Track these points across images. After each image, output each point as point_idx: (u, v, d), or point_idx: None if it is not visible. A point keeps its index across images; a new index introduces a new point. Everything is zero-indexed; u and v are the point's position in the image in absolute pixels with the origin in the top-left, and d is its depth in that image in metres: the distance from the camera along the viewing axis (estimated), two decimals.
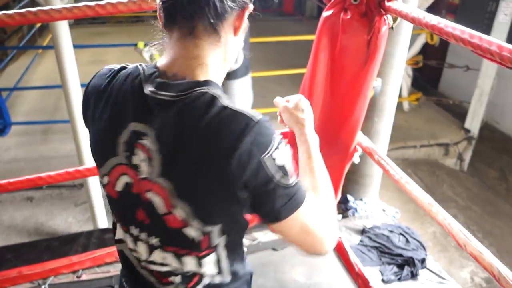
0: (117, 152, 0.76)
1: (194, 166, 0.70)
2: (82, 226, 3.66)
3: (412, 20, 1.21)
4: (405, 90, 4.89)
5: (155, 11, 0.78)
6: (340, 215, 2.48)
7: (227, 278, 0.86)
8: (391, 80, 2.22)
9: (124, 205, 0.82)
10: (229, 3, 0.72)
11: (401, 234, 2.36)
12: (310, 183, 0.87)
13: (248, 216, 0.80)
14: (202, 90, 0.71)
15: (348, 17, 1.38)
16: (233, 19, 0.75)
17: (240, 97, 3.37)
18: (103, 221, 3.25)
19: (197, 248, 0.78)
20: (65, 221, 3.88)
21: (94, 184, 3.32)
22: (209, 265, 0.82)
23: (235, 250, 0.86)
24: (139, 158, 0.74)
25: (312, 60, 1.48)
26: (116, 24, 8.68)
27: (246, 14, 0.77)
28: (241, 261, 0.89)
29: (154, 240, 0.80)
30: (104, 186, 0.84)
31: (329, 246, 0.80)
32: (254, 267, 0.95)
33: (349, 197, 2.56)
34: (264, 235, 2.37)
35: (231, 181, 0.68)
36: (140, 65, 0.79)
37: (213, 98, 0.70)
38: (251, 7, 0.77)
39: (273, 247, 2.30)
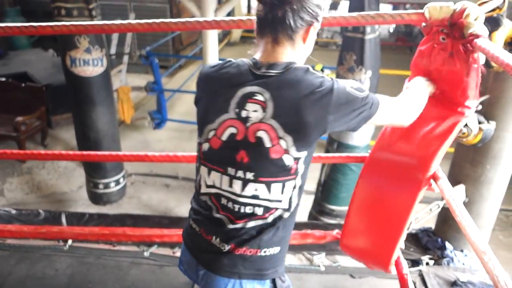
0: (228, 109, 1.09)
1: (299, 108, 1.03)
2: None
3: (492, 58, 1.16)
4: None
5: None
6: (433, 261, 2.33)
7: (287, 215, 1.14)
8: (511, 127, 2.03)
9: (225, 151, 1.10)
10: (300, 22, 1.08)
11: None
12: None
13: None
14: (294, 66, 1.09)
15: (436, 54, 1.38)
16: (303, 32, 1.10)
17: None
18: None
19: (287, 173, 1.08)
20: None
21: None
22: (286, 196, 1.11)
23: (300, 193, 1.15)
24: (248, 111, 1.07)
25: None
26: None
27: (312, 29, 1.12)
28: (297, 206, 1.17)
29: (250, 175, 1.09)
30: (205, 141, 1.14)
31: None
32: None
33: (447, 244, 2.38)
34: (346, 260, 2.37)
35: (326, 113, 1.04)
36: (243, 60, 1.15)
37: (306, 68, 1.09)
38: (317, 25, 1.12)
39: (351, 273, 2.29)
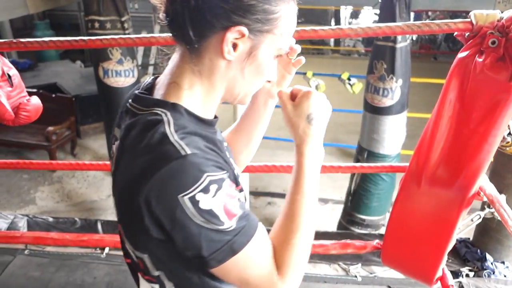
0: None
1: (119, 186, 0.71)
2: None
3: None
4: None
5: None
6: (473, 272, 2.28)
7: None
8: None
9: None
10: (204, 23, 0.68)
11: None
12: (284, 214, 0.77)
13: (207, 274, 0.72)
14: (157, 111, 0.69)
15: (483, 60, 1.37)
16: (216, 40, 0.69)
17: (391, 133, 3.38)
18: None
19: (140, 268, 0.79)
20: None
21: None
22: None
23: None
24: (112, 164, 0.77)
25: (440, 99, 1.49)
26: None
27: (232, 35, 0.68)
28: None
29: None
30: None
31: None
32: None
33: (488, 256, 2.33)
34: (383, 271, 2.34)
35: (141, 214, 0.65)
36: (152, 78, 0.81)
37: (158, 122, 0.67)
38: (243, 29, 0.68)
39: (389, 284, 2.26)
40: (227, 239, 0.66)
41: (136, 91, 0.77)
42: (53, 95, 5.75)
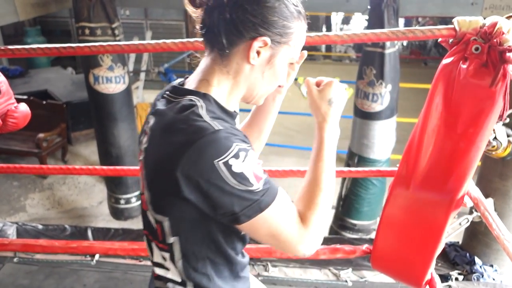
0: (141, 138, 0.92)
1: (155, 155, 0.81)
2: None
3: None
4: None
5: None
6: (462, 276, 2.30)
7: None
8: None
9: None
10: (236, 33, 0.82)
11: None
12: (307, 179, 0.91)
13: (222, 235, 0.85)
14: (191, 98, 0.82)
15: (467, 66, 1.39)
16: (244, 48, 0.83)
17: (381, 138, 3.40)
18: None
19: (156, 236, 0.89)
20: None
21: None
22: (170, 265, 0.90)
23: (204, 269, 0.88)
24: (143, 142, 0.89)
25: (426, 105, 1.51)
26: None
27: (257, 44, 0.82)
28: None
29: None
30: None
31: (304, 250, 0.84)
32: None
33: (476, 259, 2.35)
34: (374, 276, 2.35)
35: (178, 178, 0.75)
36: (184, 77, 0.95)
37: (192, 106, 0.79)
38: (267, 39, 0.82)
39: None
40: (255, 198, 0.77)
41: (174, 83, 0.92)
42: (44, 102, 5.72)
